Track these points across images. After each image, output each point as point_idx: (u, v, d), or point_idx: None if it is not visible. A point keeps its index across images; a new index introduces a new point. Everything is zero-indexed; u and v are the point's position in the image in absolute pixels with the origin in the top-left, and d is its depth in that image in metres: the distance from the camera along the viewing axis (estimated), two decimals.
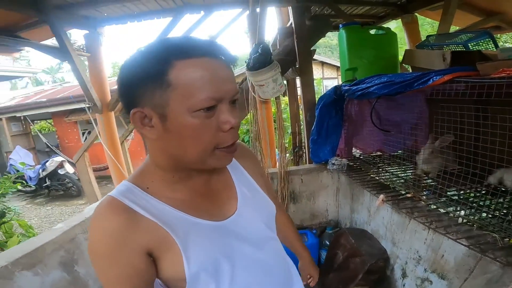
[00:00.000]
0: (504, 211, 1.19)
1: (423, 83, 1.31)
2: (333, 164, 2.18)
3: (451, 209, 1.31)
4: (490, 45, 1.63)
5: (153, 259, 0.59)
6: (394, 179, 1.76)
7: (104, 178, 7.00)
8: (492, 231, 1.05)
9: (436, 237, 1.30)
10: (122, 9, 2.56)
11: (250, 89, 2.26)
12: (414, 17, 3.09)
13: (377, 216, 1.83)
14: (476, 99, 1.15)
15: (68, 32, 2.88)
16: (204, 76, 0.52)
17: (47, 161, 6.51)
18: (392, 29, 2.32)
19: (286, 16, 2.94)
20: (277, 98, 2.32)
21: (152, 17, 2.69)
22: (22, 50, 3.10)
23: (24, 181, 4.35)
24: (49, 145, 8.18)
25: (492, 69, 1.10)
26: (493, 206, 1.27)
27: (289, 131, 3.72)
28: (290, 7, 2.44)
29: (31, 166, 6.61)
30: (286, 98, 3.88)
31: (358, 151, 2.50)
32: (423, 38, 2.42)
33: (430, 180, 1.60)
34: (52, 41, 2.98)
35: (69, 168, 6.50)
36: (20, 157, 6.65)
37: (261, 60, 1.96)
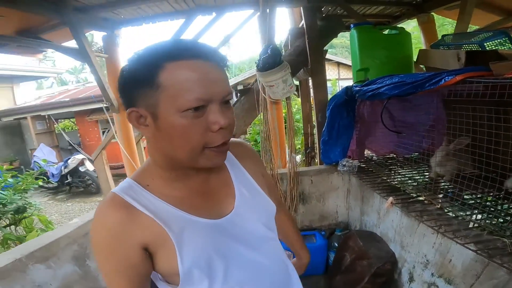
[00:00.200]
0: None
1: (434, 84, 1.28)
2: (344, 165, 2.16)
3: (462, 213, 1.27)
4: (507, 45, 1.57)
5: (150, 254, 0.61)
6: (409, 182, 1.72)
7: (121, 176, 7.17)
8: (502, 236, 1.02)
9: (445, 241, 1.27)
10: (137, 11, 2.64)
11: (260, 89, 2.28)
12: (430, 16, 3.00)
13: (386, 219, 1.80)
14: (491, 100, 1.11)
15: (90, 34, 2.99)
16: (191, 77, 0.54)
17: (69, 158, 6.74)
18: (410, 29, 2.26)
19: (299, 17, 2.93)
20: (288, 98, 2.32)
21: (165, 19, 2.76)
22: (45, 51, 3.25)
23: (45, 178, 4.52)
24: (71, 143, 8.48)
25: (506, 69, 1.06)
26: (504, 210, 1.22)
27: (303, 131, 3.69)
28: (302, 7, 2.44)
29: (54, 163, 6.89)
30: (299, 99, 3.86)
31: (370, 153, 2.45)
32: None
33: (444, 184, 1.56)
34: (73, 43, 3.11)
35: (89, 166, 6.68)
36: (44, 155, 6.89)
37: (271, 60, 1.97)
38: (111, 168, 4.20)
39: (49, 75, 12.33)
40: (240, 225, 0.68)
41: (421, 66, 2.11)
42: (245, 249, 0.66)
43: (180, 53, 0.55)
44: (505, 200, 1.26)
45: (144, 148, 4.14)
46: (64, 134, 8.64)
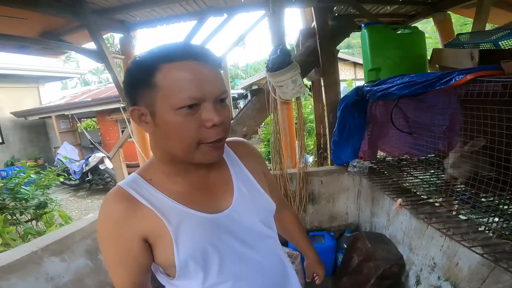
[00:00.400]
0: None
1: (445, 83, 1.25)
2: (354, 166, 2.13)
3: (473, 216, 1.23)
4: None
5: (149, 245, 0.64)
6: (423, 184, 1.68)
7: None
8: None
9: (452, 244, 1.24)
10: (151, 13, 2.72)
11: (270, 90, 2.29)
12: (446, 15, 2.92)
13: (396, 221, 1.77)
14: (505, 100, 1.07)
15: (111, 36, 3.10)
16: (185, 77, 0.57)
17: (90, 156, 6.97)
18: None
19: (311, 17, 2.93)
20: (298, 98, 2.32)
21: (178, 21, 2.82)
22: (67, 52, 3.39)
23: (66, 174, 4.70)
24: (92, 141, 8.74)
25: None
26: None
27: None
28: (312, 7, 2.43)
29: (76, 161, 7.16)
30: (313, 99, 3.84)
31: (383, 154, 2.41)
32: None
33: (459, 186, 1.51)
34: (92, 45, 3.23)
35: (108, 164, 6.85)
36: (67, 152, 7.14)
37: (280, 61, 1.98)
38: (129, 166, 4.32)
39: (73, 76, 12.80)
40: (237, 221, 0.70)
41: (437, 66, 2.06)
42: (239, 245, 0.68)
43: (174, 55, 0.58)
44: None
45: None
46: (86, 133, 8.91)
